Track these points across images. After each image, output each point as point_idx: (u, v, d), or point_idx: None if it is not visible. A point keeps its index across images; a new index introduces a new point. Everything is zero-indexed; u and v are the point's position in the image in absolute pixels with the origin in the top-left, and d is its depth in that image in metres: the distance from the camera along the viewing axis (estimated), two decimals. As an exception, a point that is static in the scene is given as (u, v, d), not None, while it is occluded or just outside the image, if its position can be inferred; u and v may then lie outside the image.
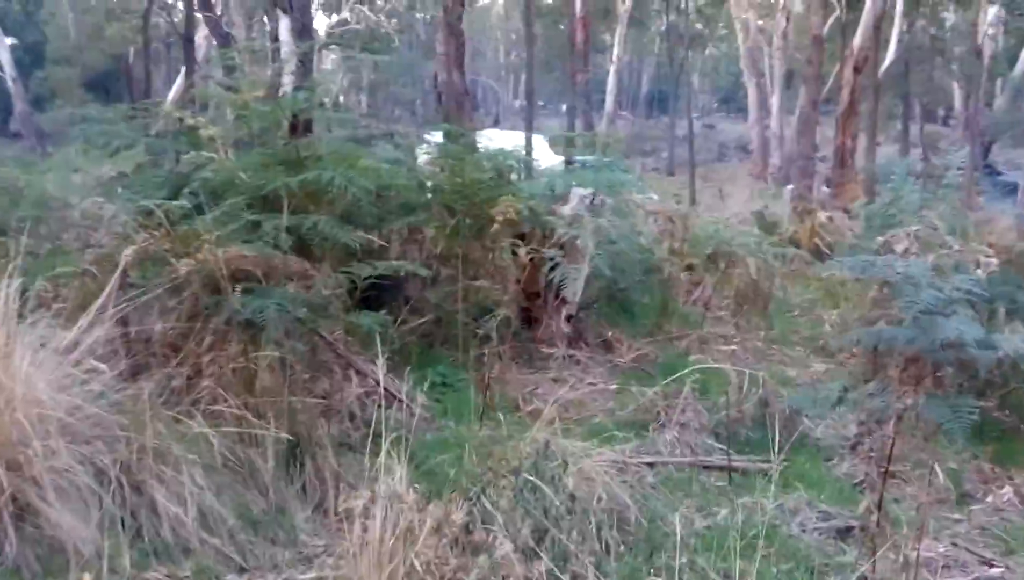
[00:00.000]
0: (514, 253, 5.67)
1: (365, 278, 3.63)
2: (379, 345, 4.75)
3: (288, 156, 4.84)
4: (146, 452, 3.28)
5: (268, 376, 3.58)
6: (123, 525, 3.14)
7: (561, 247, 5.87)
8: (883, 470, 3.32)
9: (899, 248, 4.65)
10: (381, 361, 4.94)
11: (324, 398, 4.33)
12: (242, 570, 3.18)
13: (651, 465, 4.20)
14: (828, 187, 20.53)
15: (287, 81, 7.28)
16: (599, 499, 3.39)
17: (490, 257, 6.29)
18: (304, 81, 7.34)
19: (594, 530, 3.12)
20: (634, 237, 6.74)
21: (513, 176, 6.46)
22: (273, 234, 3.68)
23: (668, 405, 4.87)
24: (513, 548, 2.60)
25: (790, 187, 23.53)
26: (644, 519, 3.53)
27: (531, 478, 2.88)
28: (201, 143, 5.44)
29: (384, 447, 2.97)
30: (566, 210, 6.05)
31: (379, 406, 4.70)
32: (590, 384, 5.60)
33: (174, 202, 4.35)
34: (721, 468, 4.30)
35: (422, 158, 7.08)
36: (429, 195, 6.13)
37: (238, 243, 3.76)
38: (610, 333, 6.45)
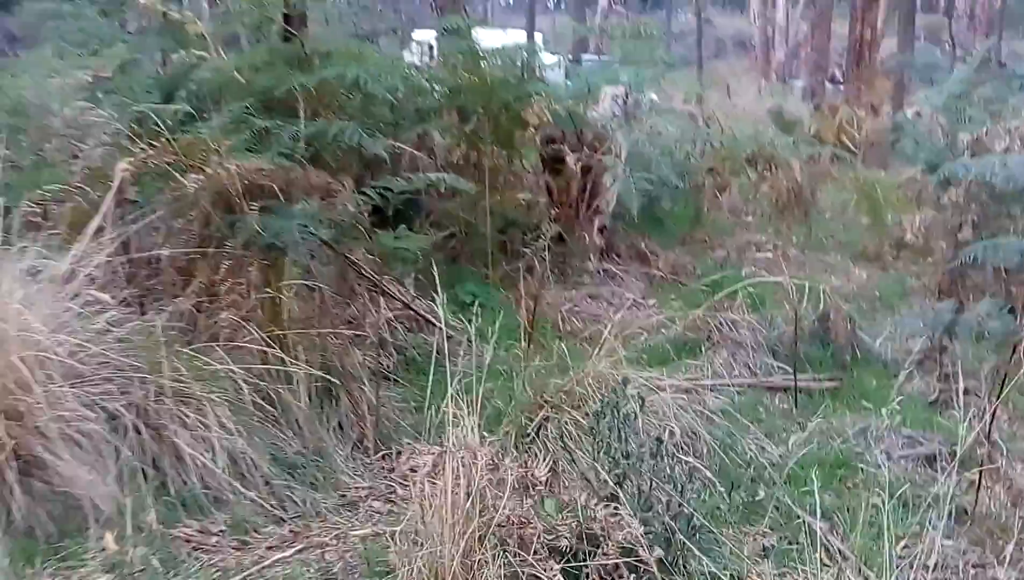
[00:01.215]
0: (554, 161, 5.16)
1: (399, 193, 3.17)
2: (406, 264, 4.37)
3: (292, 53, 4.29)
4: (164, 393, 2.91)
5: (294, 304, 3.17)
6: (145, 476, 2.79)
7: (594, 152, 5.38)
8: (996, 396, 2.97)
9: (999, 146, 4.16)
10: (410, 281, 4.63)
11: (352, 322, 3.95)
12: (281, 521, 2.86)
13: (711, 389, 3.86)
14: (832, 83, 19.72)
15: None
16: (671, 433, 3.06)
17: (512, 164, 5.81)
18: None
19: (670, 470, 2.79)
20: (668, 140, 6.23)
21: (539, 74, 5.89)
22: (290, 144, 3.19)
23: (719, 321, 4.51)
24: (597, 501, 2.26)
25: (798, 83, 22.66)
26: (717, 450, 3.22)
27: (608, 419, 2.51)
28: (189, 40, 4.87)
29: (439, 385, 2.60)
30: (596, 112, 5.52)
31: (410, 330, 4.41)
32: (628, 299, 5.22)
33: (173, 106, 3.86)
34: (785, 389, 3.97)
35: (409, 60, 6.46)
36: (438, 98, 5.58)
37: (247, 154, 3.28)
38: (643, 244, 6.03)
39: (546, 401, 3.19)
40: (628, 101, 5.59)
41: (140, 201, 3.25)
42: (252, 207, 3.10)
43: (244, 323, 3.14)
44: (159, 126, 3.59)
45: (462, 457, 2.05)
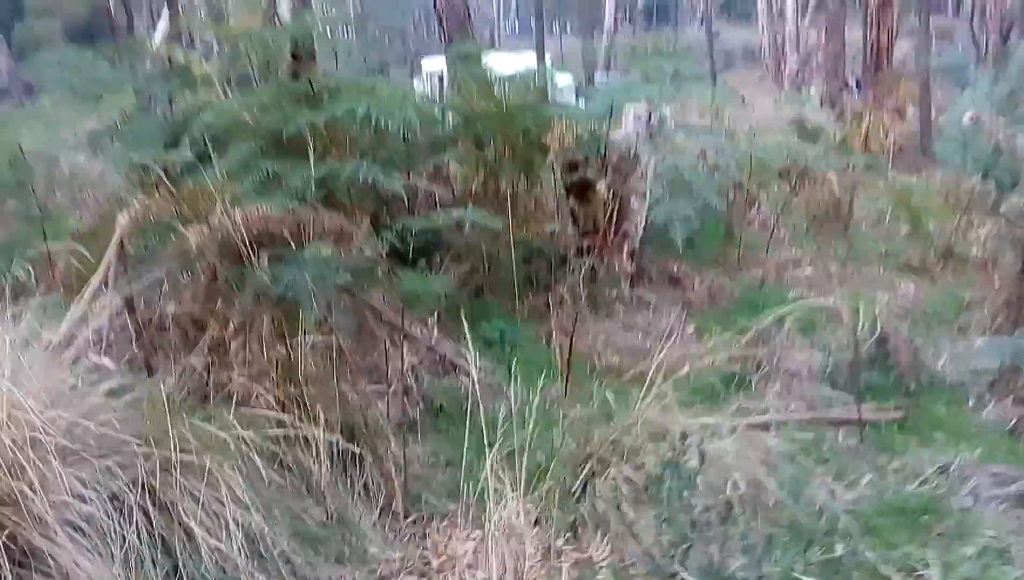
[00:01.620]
0: (579, 186, 4.89)
1: (416, 233, 2.90)
2: (428, 303, 4.08)
3: (300, 90, 4.07)
4: (171, 467, 2.64)
5: (310, 360, 2.90)
6: (153, 562, 2.51)
7: (618, 174, 5.11)
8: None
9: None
10: (432, 321, 4.36)
11: (372, 371, 3.69)
12: (306, 602, 2.57)
13: (767, 427, 3.54)
14: (848, 89, 19.31)
15: (284, 7, 6.45)
16: (734, 485, 2.75)
17: (532, 191, 5.55)
18: (303, 7, 6.52)
19: (740, 536, 2.48)
20: (693, 158, 5.95)
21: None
22: (300, 186, 2.95)
23: (767, 350, 4.19)
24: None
25: (812, 90, 22.28)
26: (784, 499, 2.89)
27: (669, 482, 2.20)
28: (195, 83, 4.69)
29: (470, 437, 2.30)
30: (619, 134, 5.25)
31: (435, 374, 4.12)
32: (664, 328, 4.91)
33: (175, 154, 3.64)
34: (848, 422, 3.64)
35: (419, 89, 6.23)
36: (453, 127, 5.34)
37: (256, 198, 3.04)
38: (674, 267, 5.72)
39: (591, 453, 2.89)
40: (652, 120, 5.31)
41: (143, 255, 3.00)
42: (260, 256, 2.85)
43: (257, 383, 2.87)
44: (163, 175, 3.38)
45: (507, 543, 1.75)
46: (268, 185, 2.93)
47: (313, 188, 3.02)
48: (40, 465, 2.47)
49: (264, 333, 2.86)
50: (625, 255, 5.30)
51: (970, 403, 3.91)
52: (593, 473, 2.77)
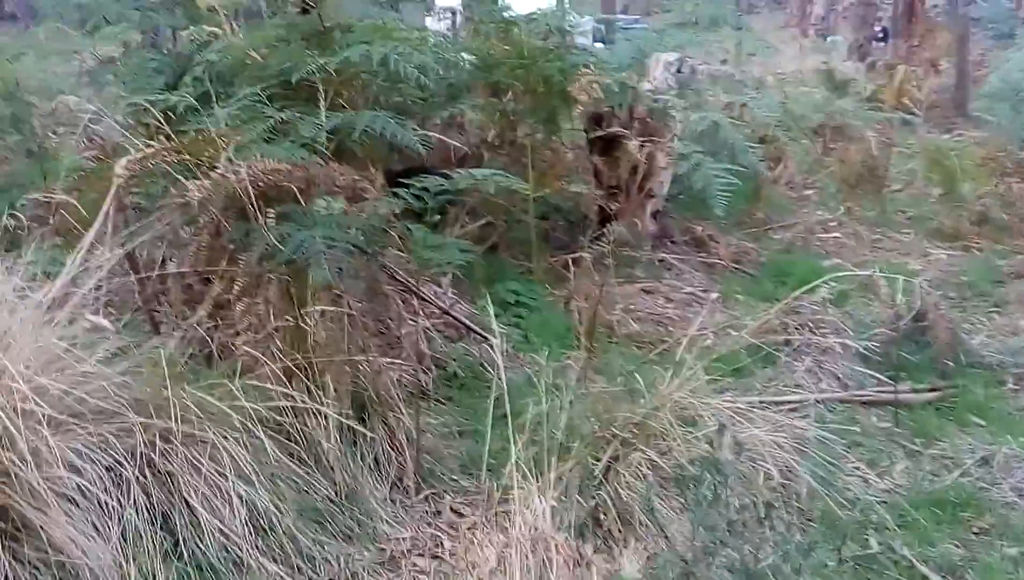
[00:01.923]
0: (604, 140, 4.64)
1: (437, 194, 2.68)
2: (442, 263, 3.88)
3: (310, 27, 3.80)
4: (173, 437, 2.49)
5: (319, 327, 2.73)
6: (152, 539, 2.38)
7: (646, 128, 4.84)
8: None
9: None
10: (447, 281, 4.17)
11: (383, 334, 3.52)
12: (312, 583, 2.45)
13: (797, 407, 3.37)
14: (877, 40, 18.60)
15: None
16: (767, 477, 2.59)
17: (552, 144, 5.29)
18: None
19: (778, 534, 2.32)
20: (721, 111, 5.66)
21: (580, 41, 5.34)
22: (311, 136, 2.73)
23: (798, 321, 4.00)
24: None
25: (838, 39, 21.53)
26: (818, 489, 2.73)
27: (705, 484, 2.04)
28: (201, 15, 4.41)
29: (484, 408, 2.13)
30: (646, 84, 4.96)
31: (449, 338, 3.95)
32: (689, 294, 4.72)
33: (174, 95, 3.41)
34: (881, 404, 3.46)
35: (433, 27, 5.88)
36: (470, 72, 5.05)
37: (263, 148, 2.82)
38: (699, 227, 5.49)
39: (614, 434, 2.73)
40: (682, 69, 5.02)
41: (142, 207, 2.81)
42: (269, 214, 2.65)
43: (265, 349, 2.70)
44: (163, 120, 3.16)
45: (533, 550, 1.60)
46: (276, 133, 2.71)
47: (324, 138, 2.79)
48: (32, 435, 2.33)
49: (271, 296, 2.68)
50: (648, 215, 5.06)
51: (1009, 385, 3.72)
52: (616, 456, 2.61)
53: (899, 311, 3.81)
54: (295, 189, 2.78)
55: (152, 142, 2.93)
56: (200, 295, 2.77)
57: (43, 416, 2.35)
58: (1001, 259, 5.47)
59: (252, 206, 2.68)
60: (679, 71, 5.02)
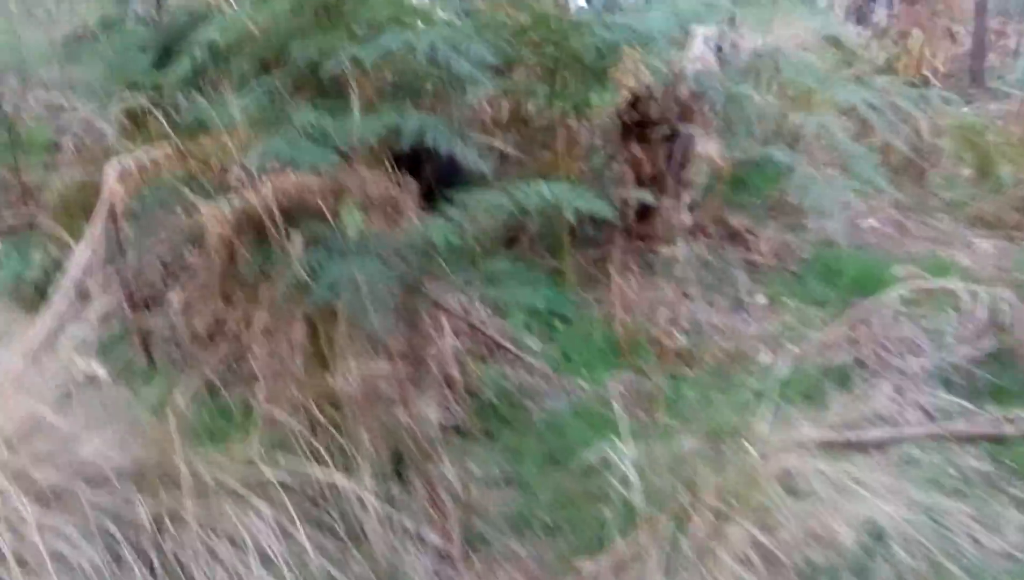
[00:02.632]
0: (639, 125, 4.19)
1: (489, 209, 2.24)
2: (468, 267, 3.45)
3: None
4: (183, 514, 2.07)
5: (352, 372, 2.30)
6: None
7: (687, 111, 4.40)
8: None
9: None
10: (475, 291, 3.73)
11: (411, 357, 3.09)
12: None
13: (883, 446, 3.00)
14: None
15: None
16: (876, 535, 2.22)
17: (567, 120, 4.81)
18: None
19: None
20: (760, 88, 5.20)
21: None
22: (342, 140, 2.27)
23: (866, 334, 3.62)
24: None
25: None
26: (932, 554, 2.38)
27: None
28: (190, -20, 3.88)
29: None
30: (690, 63, 4.48)
31: (480, 357, 3.53)
32: (732, 298, 4.32)
33: (165, 73, 2.91)
34: (977, 438, 3.10)
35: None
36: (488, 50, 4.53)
37: (282, 153, 2.35)
38: (734, 219, 5.07)
39: (697, 497, 2.34)
40: (723, 46, 4.56)
41: (139, 227, 2.34)
42: (293, 238, 2.20)
43: (288, 399, 2.27)
44: (154, 106, 2.67)
45: None
46: (298, 139, 2.25)
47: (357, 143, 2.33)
48: (12, 514, 1.90)
49: (296, 337, 2.24)
50: (683, 206, 4.63)
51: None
52: (709, 532, 2.22)
53: (979, 325, 3.46)
54: (321, 204, 2.32)
55: (147, 143, 2.43)
56: (211, 334, 2.32)
57: (27, 490, 1.93)
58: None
59: (273, 226, 2.22)
60: (719, 48, 4.54)
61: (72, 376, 2.14)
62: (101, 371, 2.18)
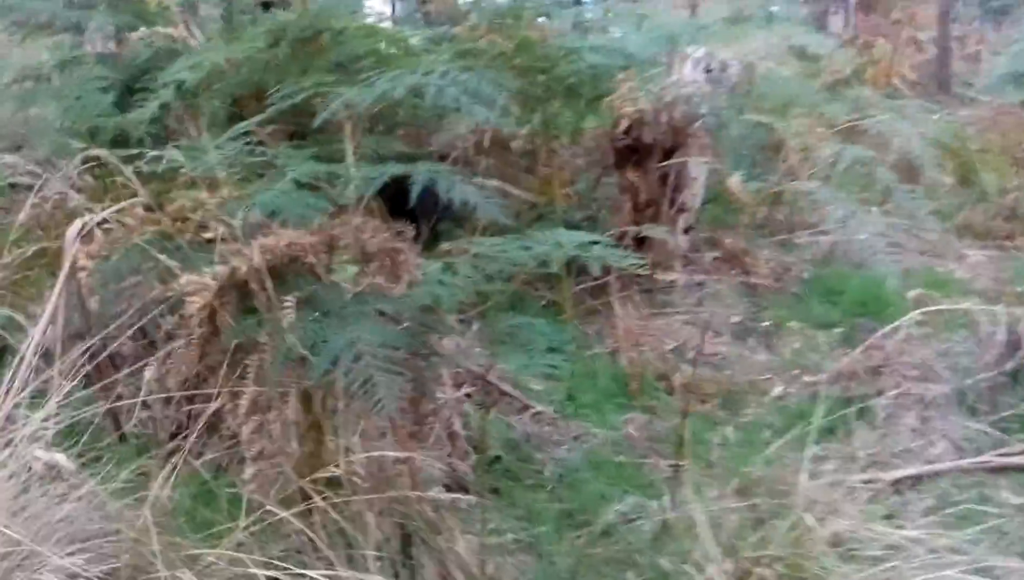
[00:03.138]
0: (632, 150, 4.02)
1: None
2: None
3: (298, 31, 3.07)
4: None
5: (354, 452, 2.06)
6: None
7: (680, 134, 4.24)
8: None
9: None
10: (472, 332, 3.52)
11: (410, 412, 2.86)
12: None
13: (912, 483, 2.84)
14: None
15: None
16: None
17: (550, 144, 4.63)
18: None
19: None
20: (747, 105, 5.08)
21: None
22: (340, 189, 2.05)
23: (881, 360, 3.47)
24: None
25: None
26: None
27: None
28: (150, 14, 3.65)
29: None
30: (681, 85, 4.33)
31: (479, 405, 3.30)
32: (736, 324, 4.15)
33: (132, 129, 2.68)
34: (1010, 470, 2.95)
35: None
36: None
37: (268, 206, 2.11)
38: (727, 239, 4.92)
39: (737, 563, 2.13)
40: (713, 67, 4.42)
41: (107, 295, 2.08)
42: (286, 301, 1.96)
43: (281, 482, 2.03)
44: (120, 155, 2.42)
45: None
46: (290, 191, 2.01)
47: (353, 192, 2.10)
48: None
49: (290, 415, 2.00)
50: (680, 231, 4.48)
51: None
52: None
53: (998, 347, 3.32)
54: (313, 260, 2.09)
55: (113, 199, 2.18)
56: (191, 411, 2.07)
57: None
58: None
59: (260, 288, 1.98)
60: (708, 69, 4.40)
61: (32, 470, 1.88)
62: (65, 462, 1.92)
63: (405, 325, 2.06)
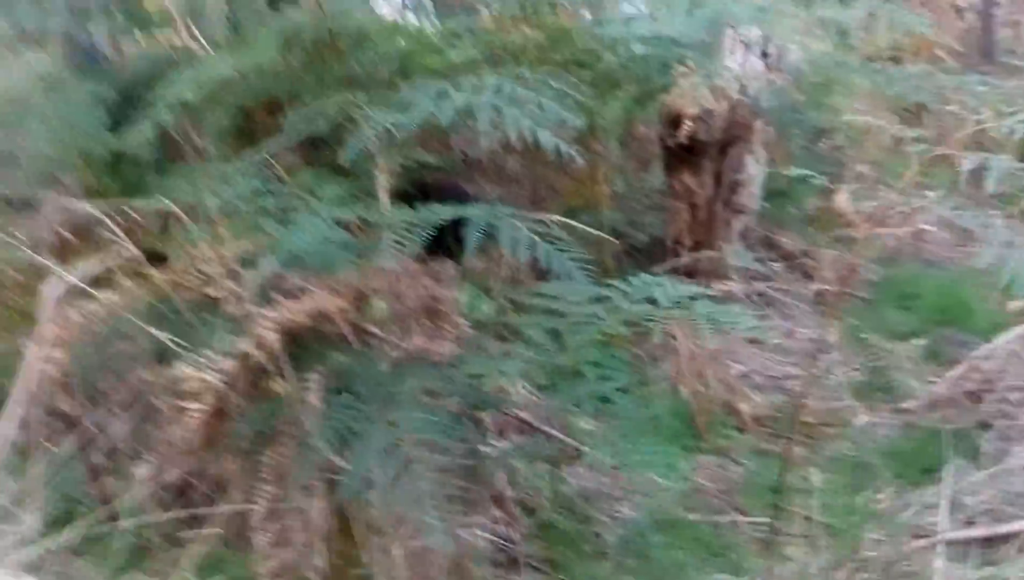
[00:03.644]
0: (683, 148, 3.61)
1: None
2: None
3: (315, 36, 2.68)
4: None
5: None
6: None
7: (736, 129, 3.82)
8: None
9: None
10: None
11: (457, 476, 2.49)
12: None
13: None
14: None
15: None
16: None
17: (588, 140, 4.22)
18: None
19: None
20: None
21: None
22: (374, 239, 1.68)
23: (979, 383, 3.07)
24: None
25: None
26: None
27: None
28: (147, 19, 3.30)
29: None
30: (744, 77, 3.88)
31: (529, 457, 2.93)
32: (803, 338, 3.74)
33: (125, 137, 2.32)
34: None
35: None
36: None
37: (292, 260, 1.75)
38: (784, 239, 4.49)
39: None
40: (771, 53, 3.98)
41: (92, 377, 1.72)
42: (308, 386, 1.59)
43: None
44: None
45: None
46: (318, 238, 1.65)
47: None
48: None
49: (314, 518, 1.64)
50: (736, 235, 4.07)
51: None
52: None
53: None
54: (340, 323, 1.72)
55: (99, 252, 1.82)
56: (195, 515, 1.72)
57: None
58: None
59: (277, 367, 1.62)
60: (765, 54, 3.96)
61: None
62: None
63: (454, 405, 1.69)
